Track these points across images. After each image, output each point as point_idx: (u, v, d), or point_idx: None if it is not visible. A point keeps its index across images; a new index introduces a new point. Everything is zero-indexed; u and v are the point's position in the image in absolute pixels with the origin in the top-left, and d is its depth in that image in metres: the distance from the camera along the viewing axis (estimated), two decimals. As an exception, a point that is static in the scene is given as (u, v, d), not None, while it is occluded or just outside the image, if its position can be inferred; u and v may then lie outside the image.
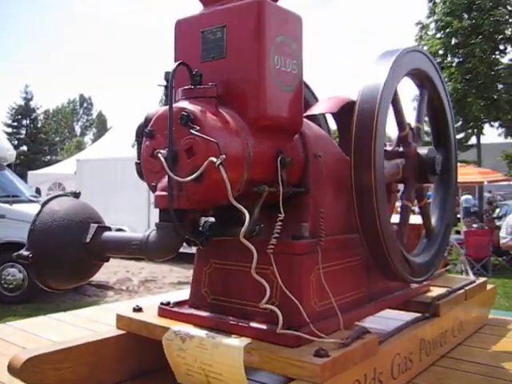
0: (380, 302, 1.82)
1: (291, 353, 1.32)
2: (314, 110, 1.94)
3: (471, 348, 2.09)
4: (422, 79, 1.94)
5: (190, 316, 1.60)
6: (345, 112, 1.95)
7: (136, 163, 1.54)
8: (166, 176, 1.31)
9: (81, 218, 1.43)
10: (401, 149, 1.85)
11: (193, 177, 1.25)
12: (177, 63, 1.38)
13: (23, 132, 48.56)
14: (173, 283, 9.94)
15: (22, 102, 49.34)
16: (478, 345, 2.14)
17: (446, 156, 2.07)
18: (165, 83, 1.50)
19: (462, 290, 2.20)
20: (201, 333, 1.47)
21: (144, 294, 8.95)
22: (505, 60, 17.41)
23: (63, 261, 1.39)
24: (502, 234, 5.72)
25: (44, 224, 1.38)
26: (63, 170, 18.27)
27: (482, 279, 2.48)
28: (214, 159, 1.23)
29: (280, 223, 1.42)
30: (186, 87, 1.41)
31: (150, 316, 1.67)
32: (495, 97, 16.86)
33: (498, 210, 17.90)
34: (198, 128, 1.28)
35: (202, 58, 1.51)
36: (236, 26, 1.44)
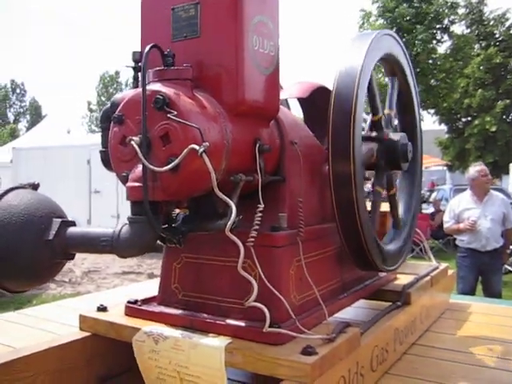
0: (354, 293, 1.78)
1: (277, 352, 1.25)
2: (284, 95, 1.86)
3: (439, 334, 2.10)
4: (393, 65, 1.90)
5: (160, 314, 1.50)
6: (314, 98, 1.89)
7: (101, 151, 1.42)
8: (140, 165, 1.20)
9: (42, 213, 1.29)
10: (374, 133, 1.80)
11: (171, 165, 1.15)
12: (150, 45, 1.25)
13: (-50, 119, 45.89)
14: (117, 273, 9.70)
15: (-51, 88, 46.61)
16: (444, 330, 2.15)
17: (412, 144, 2.05)
18: (132, 64, 1.39)
19: (428, 277, 2.20)
20: (175, 333, 1.38)
21: (87, 285, 8.69)
22: (442, 49, 17.95)
23: (24, 261, 1.25)
24: (446, 218, 5.85)
25: (1, 220, 1.23)
26: (-2, 159, 17.44)
27: (443, 265, 2.50)
28: (195, 147, 1.13)
29: (260, 214, 1.34)
30: (158, 68, 1.29)
31: (117, 316, 1.55)
32: (433, 84, 17.36)
33: (434, 195, 18.53)
34: (175, 113, 1.17)
35: (173, 37, 1.39)
36: (211, 4, 1.33)
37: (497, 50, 21.01)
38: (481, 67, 20.83)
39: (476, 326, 2.23)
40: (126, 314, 1.56)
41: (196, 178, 1.19)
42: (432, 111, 20.48)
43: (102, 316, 1.55)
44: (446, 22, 17.39)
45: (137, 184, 1.20)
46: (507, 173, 20.08)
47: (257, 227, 1.33)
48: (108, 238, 1.24)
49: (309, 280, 1.44)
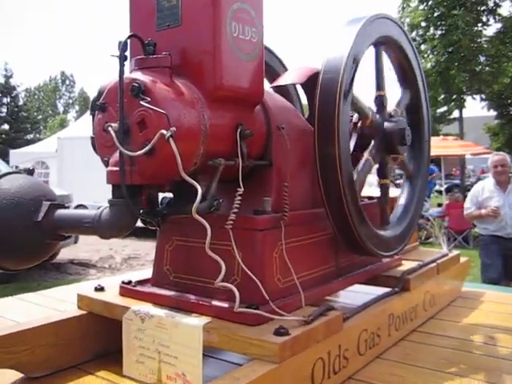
0: (349, 277, 1.79)
1: (250, 332, 1.28)
2: (281, 81, 1.88)
3: (442, 321, 2.08)
4: (391, 47, 1.88)
5: (151, 295, 1.55)
6: (313, 83, 1.89)
7: (91, 137, 1.48)
8: (118, 150, 1.25)
9: (32, 196, 1.37)
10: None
11: (144, 150, 1.19)
12: (128, 35, 1.31)
13: (4, 110, 47.43)
14: (156, 260, 9.89)
15: (2, 80, 48.20)
16: (450, 318, 2.13)
17: (417, 126, 2.03)
18: (118, 53, 1.43)
19: (434, 264, 2.18)
20: (161, 312, 1.43)
21: (126, 271, 8.92)
22: (488, 32, 17.27)
23: (14, 241, 1.33)
24: (467, 204, 5.75)
25: None
26: (46, 148, 18.03)
27: (455, 252, 2.46)
28: (164, 132, 1.17)
29: (239, 197, 1.37)
30: (138, 57, 1.34)
31: (112, 295, 1.62)
32: (477, 69, 16.79)
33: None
34: (148, 99, 1.21)
35: (158, 27, 1.44)
36: (191, -8, 1.37)
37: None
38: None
39: (484, 314, 2.20)
40: (121, 294, 1.62)
41: (170, 162, 1.22)
42: (478, 97, 19.81)
43: (97, 295, 1.62)
44: (491, 3, 16.67)
45: (115, 168, 1.26)
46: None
47: (235, 210, 1.36)
48: (90, 220, 1.30)
49: (288, 263, 1.46)
